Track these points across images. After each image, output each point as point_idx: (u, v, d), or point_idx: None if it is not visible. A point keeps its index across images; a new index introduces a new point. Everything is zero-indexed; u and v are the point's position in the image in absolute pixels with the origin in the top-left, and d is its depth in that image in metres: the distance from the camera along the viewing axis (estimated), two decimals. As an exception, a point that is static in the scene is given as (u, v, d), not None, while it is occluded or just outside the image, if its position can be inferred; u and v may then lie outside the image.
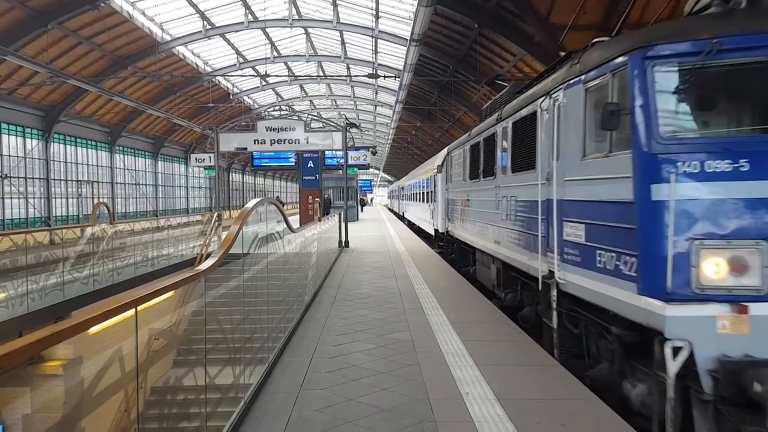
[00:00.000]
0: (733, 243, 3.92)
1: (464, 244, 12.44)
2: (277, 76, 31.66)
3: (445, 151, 16.49)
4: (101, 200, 29.38)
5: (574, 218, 5.24)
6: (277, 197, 44.03)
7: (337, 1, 24.57)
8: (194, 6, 23.85)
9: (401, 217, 38.71)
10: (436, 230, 17.95)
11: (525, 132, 7.00)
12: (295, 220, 12.92)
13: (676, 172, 4.02)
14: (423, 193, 22.57)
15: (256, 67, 31.66)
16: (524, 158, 6.98)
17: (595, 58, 5.05)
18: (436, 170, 17.02)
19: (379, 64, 29.57)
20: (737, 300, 3.86)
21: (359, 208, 42.16)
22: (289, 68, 34.24)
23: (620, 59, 4.55)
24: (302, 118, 19.03)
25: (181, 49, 27.07)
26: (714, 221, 3.96)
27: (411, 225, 29.70)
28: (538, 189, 6.25)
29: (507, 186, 7.89)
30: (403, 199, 38.86)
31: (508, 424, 3.97)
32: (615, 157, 4.60)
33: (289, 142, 17.85)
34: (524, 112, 7.05)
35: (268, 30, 27.39)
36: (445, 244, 16.24)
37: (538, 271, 6.29)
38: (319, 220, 12.63)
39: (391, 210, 57.38)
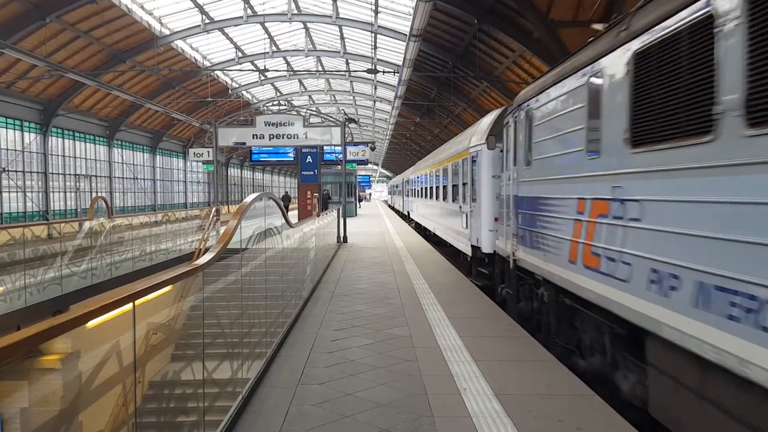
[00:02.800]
0: None
1: (576, 299, 5.44)
2: (276, 70, 31.62)
3: (496, 113, 11.11)
4: (99, 194, 29.31)
5: None
6: (285, 192, 43.94)
7: (337, -4, 24.51)
8: (193, 0, 23.77)
9: (405, 217, 33.76)
10: (475, 248, 11.17)
11: None
12: (293, 215, 12.92)
13: None
14: (445, 186, 15.64)
15: (255, 62, 31.57)
16: None
17: None
18: (483, 145, 10.54)
19: (378, 60, 29.52)
20: None
21: (358, 203, 42.15)
22: (288, 63, 34.17)
23: None
24: (301, 113, 19.00)
25: (179, 44, 26.99)
26: None
27: (419, 228, 24.61)
28: None
29: None
30: (409, 196, 31.27)
31: (506, 419, 3.98)
32: None
33: (287, 137, 17.88)
34: None
35: (267, 24, 27.30)
36: (501, 280, 9.16)
37: None
38: (318, 216, 12.61)
39: (392, 207, 53.77)
